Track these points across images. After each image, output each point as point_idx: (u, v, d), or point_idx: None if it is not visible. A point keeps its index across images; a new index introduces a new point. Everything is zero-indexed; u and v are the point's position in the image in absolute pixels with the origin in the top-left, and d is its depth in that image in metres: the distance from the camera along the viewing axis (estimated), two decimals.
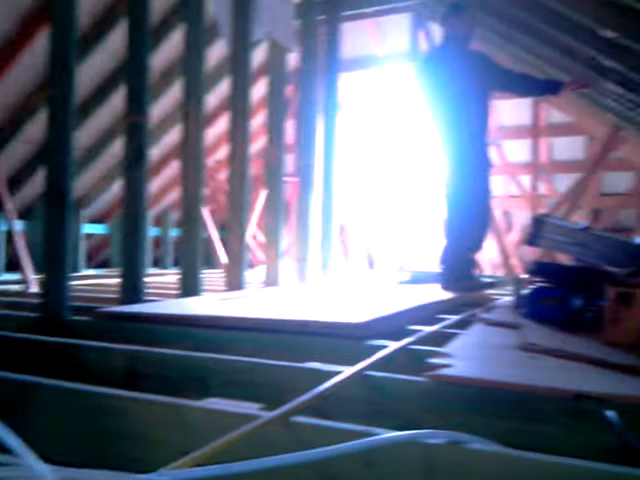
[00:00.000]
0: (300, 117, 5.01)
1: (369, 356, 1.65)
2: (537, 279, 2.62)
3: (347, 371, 1.47)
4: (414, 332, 2.18)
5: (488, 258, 7.39)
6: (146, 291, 3.12)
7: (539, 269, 2.66)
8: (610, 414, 1.14)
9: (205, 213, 7.16)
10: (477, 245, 3.73)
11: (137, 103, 3.06)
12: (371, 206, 8.40)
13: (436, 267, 3.89)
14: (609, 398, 1.25)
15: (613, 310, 1.87)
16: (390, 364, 1.68)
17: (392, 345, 1.85)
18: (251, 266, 7.00)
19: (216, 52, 5.61)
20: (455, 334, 2.13)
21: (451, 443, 0.96)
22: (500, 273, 6.55)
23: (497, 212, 7.55)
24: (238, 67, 3.80)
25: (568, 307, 2.27)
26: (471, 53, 3.69)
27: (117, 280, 3.12)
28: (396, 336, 2.05)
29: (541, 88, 3.73)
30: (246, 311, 2.40)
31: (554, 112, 7.14)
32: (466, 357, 1.60)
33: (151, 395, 1.26)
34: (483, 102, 3.64)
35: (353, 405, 1.48)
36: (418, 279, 4.45)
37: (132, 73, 3.10)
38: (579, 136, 7.18)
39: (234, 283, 3.73)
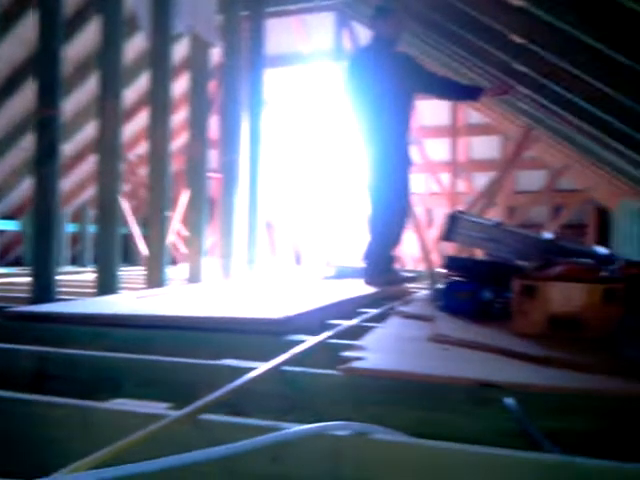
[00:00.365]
0: (224, 113, 4.96)
1: (287, 351, 1.66)
2: (452, 273, 2.71)
3: (262, 367, 1.48)
4: (334, 326, 2.21)
5: (410, 253, 7.60)
6: (61, 290, 3.00)
7: (453, 264, 2.76)
8: (509, 402, 1.20)
9: (126, 208, 6.96)
10: (397, 240, 3.84)
11: (49, 96, 2.93)
12: (297, 202, 8.43)
13: (360, 262, 3.96)
14: (513, 387, 1.31)
15: (519, 302, 1.96)
16: (307, 359, 1.69)
17: (310, 340, 1.87)
18: (175, 263, 6.87)
19: (135, 45, 5.44)
20: (373, 327, 2.18)
21: (358, 434, 0.98)
22: (421, 267, 6.74)
23: (419, 209, 7.78)
24: (158, 61, 3.71)
25: (479, 300, 2.37)
26: (396, 55, 3.77)
27: (29, 279, 2.98)
28: (316, 331, 2.07)
29: (463, 93, 3.87)
30: (164, 309, 2.35)
31: (472, 113, 7.41)
32: (380, 350, 1.64)
33: (55, 398, 1.21)
34: (406, 103, 3.73)
35: (268, 401, 1.48)
36: (343, 274, 4.51)
37: (43, 65, 2.97)
38: (495, 136, 7.49)
39: (155, 280, 3.65)
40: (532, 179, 7.42)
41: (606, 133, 3.49)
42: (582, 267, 2.22)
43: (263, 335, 1.99)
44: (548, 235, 3.25)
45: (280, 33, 6.96)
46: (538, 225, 6.96)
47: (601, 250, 3.06)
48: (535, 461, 0.94)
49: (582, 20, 2.46)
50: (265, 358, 1.64)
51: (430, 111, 7.47)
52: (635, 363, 1.47)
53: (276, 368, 1.51)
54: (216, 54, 5.10)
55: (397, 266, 4.09)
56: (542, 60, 3.08)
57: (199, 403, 1.08)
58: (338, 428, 0.98)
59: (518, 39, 3.01)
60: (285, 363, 1.56)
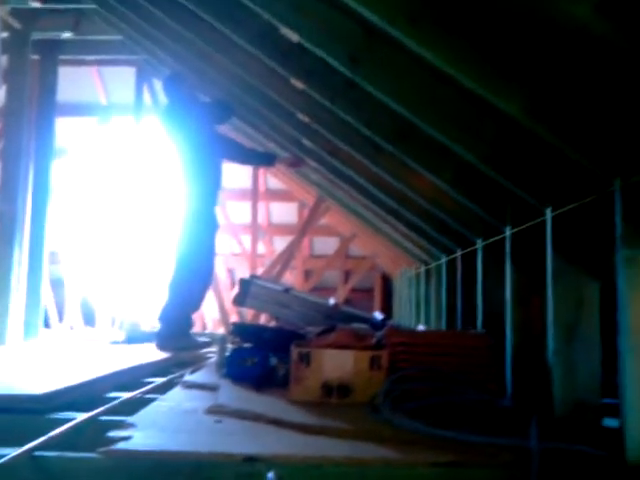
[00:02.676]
0: (5, 159, 4.56)
1: (48, 433, 1.51)
2: (239, 340, 2.74)
3: (12, 453, 1.33)
4: (111, 400, 2.08)
5: (209, 315, 7.53)
6: None
7: (239, 330, 2.79)
8: (270, 476, 1.22)
9: None
10: (197, 304, 3.78)
11: None
12: (91, 259, 7.95)
13: (155, 324, 3.81)
14: (276, 459, 1.34)
15: (296, 369, 2.04)
16: (71, 440, 1.56)
17: (78, 417, 1.73)
18: None
19: None
20: (153, 399, 2.09)
21: None
22: (220, 330, 6.70)
23: (220, 270, 7.80)
24: None
25: (264, 367, 2.41)
26: (201, 117, 3.81)
27: None
28: (90, 406, 1.93)
29: (258, 158, 4.07)
30: None
31: (271, 179, 7.75)
32: (150, 426, 1.57)
33: None
34: (216, 164, 3.78)
35: None
36: (134, 338, 4.30)
37: None
38: (293, 202, 7.89)
39: None
40: (326, 245, 7.90)
41: (381, 208, 3.88)
42: (356, 333, 2.38)
43: (22, 413, 1.80)
44: (332, 301, 3.46)
45: (78, 82, 6.69)
46: (331, 288, 7.38)
47: (377, 316, 3.33)
48: None
49: (351, 107, 2.76)
50: (21, 441, 1.47)
51: (232, 174, 7.65)
52: (394, 426, 1.60)
53: (28, 453, 1.37)
54: None
55: (193, 330, 4.02)
56: (325, 138, 3.37)
57: None
58: None
59: (304, 118, 3.26)
60: (41, 447, 1.42)
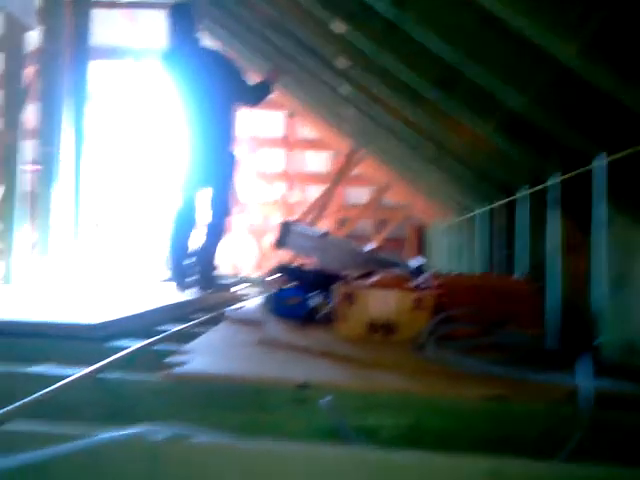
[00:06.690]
0: (42, 101, 4.60)
1: (108, 357, 1.59)
2: (282, 280, 2.79)
3: (78, 373, 1.40)
4: (162, 331, 2.15)
5: (247, 259, 7.71)
6: None
7: (283, 271, 2.84)
8: (324, 402, 1.27)
9: None
10: (221, 247, 3.83)
11: None
12: (126, 202, 8.08)
13: (193, 266, 3.87)
14: (329, 387, 1.38)
15: (340, 308, 2.08)
16: (130, 365, 1.64)
17: (134, 345, 1.81)
18: None
19: None
20: (202, 332, 2.16)
21: (177, 438, 0.97)
22: (256, 274, 6.82)
23: (256, 217, 7.90)
24: None
25: (307, 306, 2.46)
26: (213, 53, 3.71)
27: None
28: (143, 335, 2.00)
29: (264, 91, 3.77)
30: None
31: (305, 127, 7.70)
32: (205, 354, 1.63)
33: None
34: (228, 104, 3.65)
35: (86, 409, 1.40)
36: (176, 277, 4.39)
37: None
38: (326, 151, 7.85)
39: None
40: (360, 194, 7.87)
41: (420, 155, 3.84)
42: (396, 277, 2.41)
43: (83, 341, 1.88)
44: (368, 247, 3.48)
45: (111, 25, 6.66)
46: (364, 237, 7.39)
47: (414, 262, 3.34)
48: (345, 453, 1.01)
49: (393, 52, 2.69)
50: (83, 365, 1.55)
51: (264, 122, 7.64)
52: (440, 362, 1.64)
53: (94, 374, 1.44)
54: (34, 38, 4.74)
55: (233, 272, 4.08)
56: (364, 84, 3.31)
57: (4, 410, 1.00)
58: (156, 432, 0.96)
59: (343, 64, 3.20)
60: (104, 369, 1.49)
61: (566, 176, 2.32)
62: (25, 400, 1.10)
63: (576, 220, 2.29)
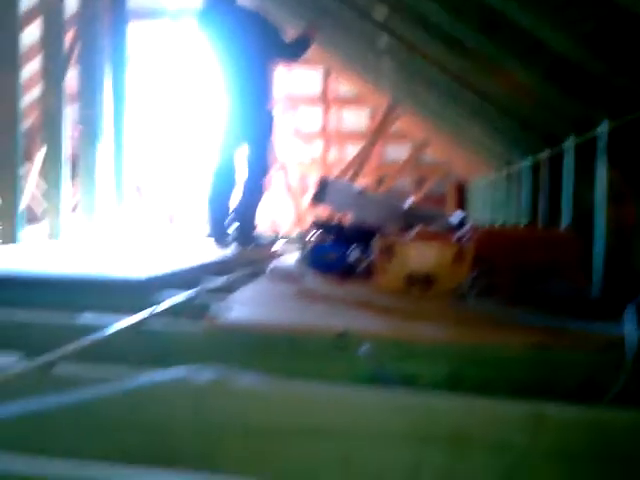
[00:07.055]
0: (82, 64, 4.64)
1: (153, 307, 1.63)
2: (321, 236, 2.80)
3: (124, 321, 1.44)
4: (204, 283, 2.20)
5: (286, 217, 7.78)
6: None
7: (321, 227, 2.84)
8: (363, 349, 1.28)
9: None
10: (260, 205, 3.85)
11: None
12: (167, 164, 8.18)
13: (231, 222, 3.90)
14: (368, 335, 1.39)
15: (380, 261, 2.08)
16: (175, 314, 1.68)
17: (178, 295, 1.85)
18: (33, 220, 6.39)
19: None
20: (243, 285, 2.20)
21: (219, 379, 1.00)
22: (295, 231, 6.86)
23: (294, 176, 7.90)
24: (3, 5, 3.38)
25: (346, 260, 2.47)
26: (249, 12, 3.65)
27: None
28: (187, 287, 2.05)
29: (300, 47, 3.72)
30: (22, 265, 2.20)
31: (342, 84, 7.59)
32: (247, 304, 1.66)
33: None
34: (265, 62, 3.61)
35: (131, 354, 1.45)
36: (215, 234, 4.45)
37: None
38: (364, 108, 7.73)
39: (7, 237, 3.40)
40: (399, 151, 7.76)
41: (462, 107, 3.74)
42: (436, 231, 2.39)
43: (130, 292, 1.94)
44: (408, 202, 3.45)
45: None
46: (403, 195, 7.31)
47: (455, 217, 3.30)
48: (385, 396, 1.02)
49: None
50: (130, 314, 1.60)
51: (302, 81, 7.55)
52: (481, 312, 1.63)
53: (140, 322, 1.49)
54: (73, 1, 4.76)
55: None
56: (403, 34, 3.21)
57: (54, 354, 1.04)
58: (200, 373, 0.99)
59: (381, 14, 3.11)
60: (150, 317, 1.54)
61: (613, 125, 2.23)
62: (75, 344, 1.14)
63: (624, 170, 2.21)
